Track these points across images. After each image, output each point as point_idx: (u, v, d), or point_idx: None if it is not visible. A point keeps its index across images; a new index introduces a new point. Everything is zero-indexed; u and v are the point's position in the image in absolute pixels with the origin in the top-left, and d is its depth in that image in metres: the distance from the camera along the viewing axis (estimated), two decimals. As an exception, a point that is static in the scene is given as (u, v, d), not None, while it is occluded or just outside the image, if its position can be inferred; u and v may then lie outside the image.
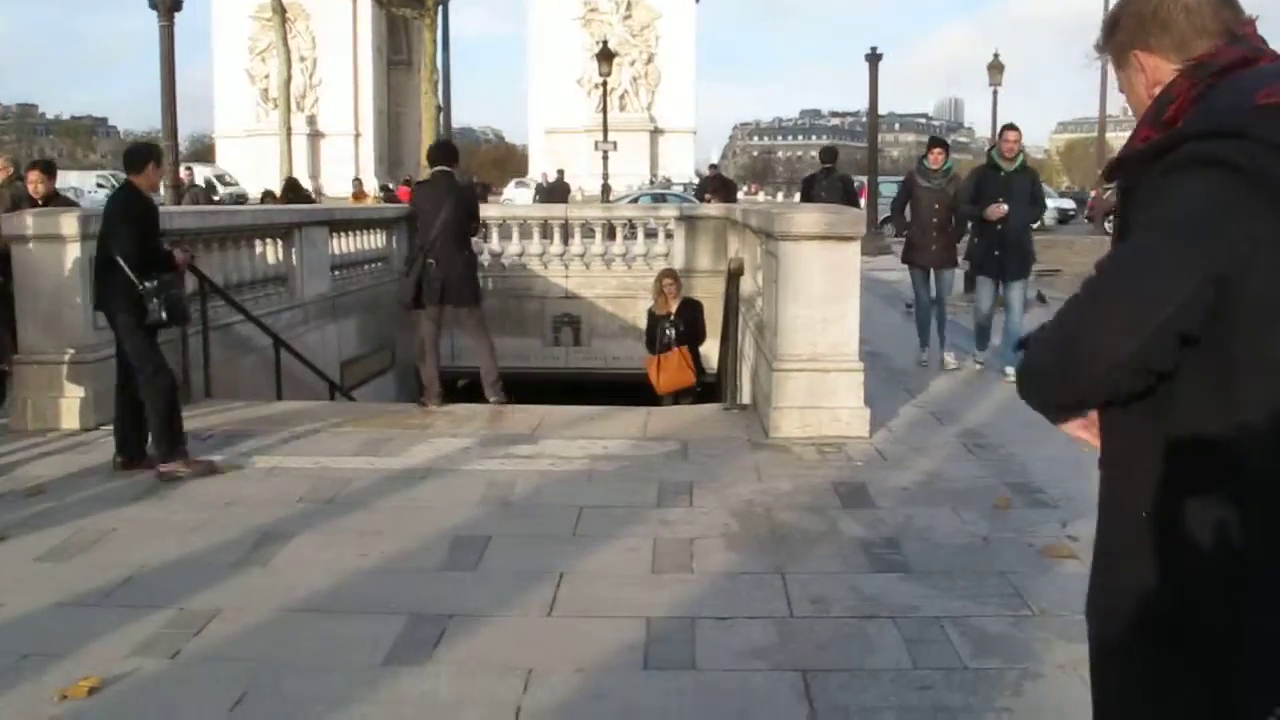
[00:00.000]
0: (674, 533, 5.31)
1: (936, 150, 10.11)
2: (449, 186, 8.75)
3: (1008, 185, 9.12)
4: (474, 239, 9.38)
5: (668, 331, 10.82)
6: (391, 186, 32.14)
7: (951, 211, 9.75)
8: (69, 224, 7.50)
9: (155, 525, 5.51)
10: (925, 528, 5.38)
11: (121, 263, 6.22)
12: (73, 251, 7.48)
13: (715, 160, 55.88)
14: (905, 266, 10.36)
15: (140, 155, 6.61)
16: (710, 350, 11.23)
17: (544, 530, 5.39)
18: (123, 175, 7.17)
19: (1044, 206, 10.64)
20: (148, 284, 6.21)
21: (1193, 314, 1.45)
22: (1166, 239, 1.48)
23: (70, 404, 7.53)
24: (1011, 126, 9.35)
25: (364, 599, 4.56)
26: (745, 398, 8.85)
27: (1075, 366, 1.56)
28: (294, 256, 11.18)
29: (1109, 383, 1.53)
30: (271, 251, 11.03)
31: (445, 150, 9.39)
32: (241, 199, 37.89)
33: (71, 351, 7.52)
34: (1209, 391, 1.49)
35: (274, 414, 8.32)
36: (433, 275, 8.54)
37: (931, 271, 10.01)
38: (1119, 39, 1.73)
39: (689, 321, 10.89)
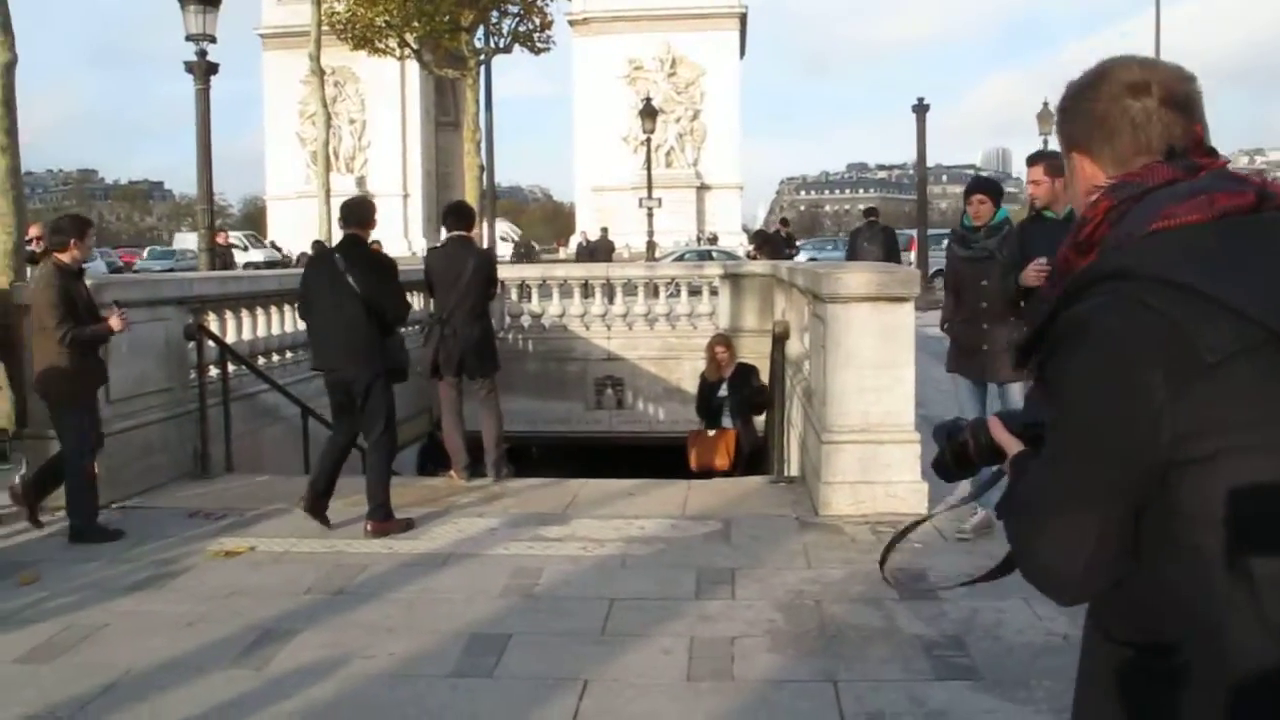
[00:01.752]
0: (713, 630, 4.79)
1: (978, 198, 6.46)
2: (467, 252, 8.33)
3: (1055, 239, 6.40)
4: (506, 301, 8.97)
5: (720, 395, 10.52)
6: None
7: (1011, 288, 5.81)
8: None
9: (149, 620, 5.07)
10: (994, 624, 4.80)
11: None
12: None
13: (763, 217, 55.56)
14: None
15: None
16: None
17: (570, 627, 4.88)
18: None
19: None
20: None
21: (1129, 509, 1.39)
22: (1080, 462, 1.40)
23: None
24: (1038, 157, 6.05)
25: (364, 710, 4.09)
26: (793, 469, 8.30)
27: (1052, 593, 1.50)
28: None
29: (1095, 589, 1.48)
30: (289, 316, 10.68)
31: (461, 213, 8.80)
32: (275, 263, 38.16)
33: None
34: (1158, 538, 1.40)
35: (296, 489, 7.88)
36: (450, 346, 8.11)
37: (988, 386, 6.36)
38: (1065, 130, 1.62)
39: (744, 388, 10.47)
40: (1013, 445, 1.63)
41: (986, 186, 6.63)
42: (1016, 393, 6.00)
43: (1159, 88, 1.50)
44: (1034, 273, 5.21)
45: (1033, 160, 6.12)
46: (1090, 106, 1.55)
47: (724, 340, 11.12)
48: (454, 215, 8.71)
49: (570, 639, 4.72)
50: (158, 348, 7.94)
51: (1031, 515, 1.47)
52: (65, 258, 6.49)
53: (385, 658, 4.55)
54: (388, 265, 6.99)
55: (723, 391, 10.55)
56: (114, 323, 6.58)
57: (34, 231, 10.61)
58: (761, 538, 6.28)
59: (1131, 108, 1.50)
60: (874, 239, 17.41)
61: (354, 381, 6.54)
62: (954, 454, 1.73)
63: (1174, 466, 1.34)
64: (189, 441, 8.21)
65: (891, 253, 17.25)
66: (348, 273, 6.46)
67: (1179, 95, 1.51)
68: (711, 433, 10.37)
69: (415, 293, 13.86)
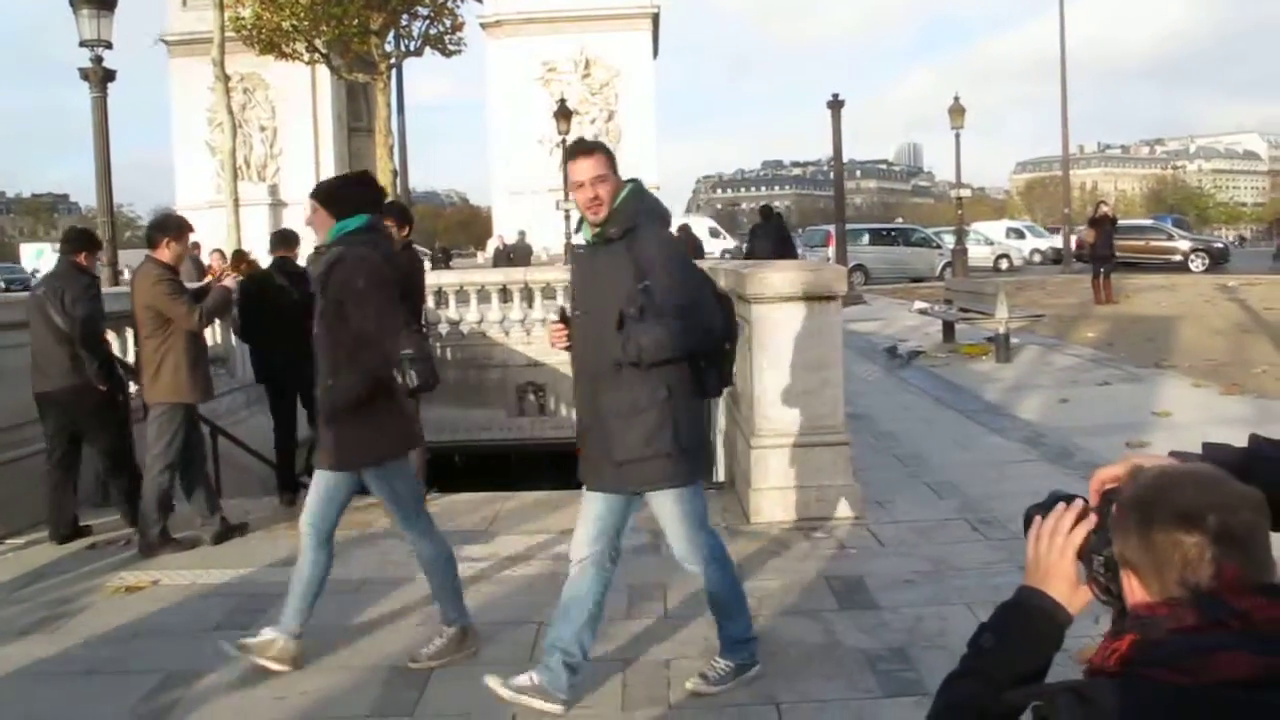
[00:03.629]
0: (647, 652, 4.58)
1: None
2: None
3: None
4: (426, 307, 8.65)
5: None
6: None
7: None
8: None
9: (40, 670, 4.69)
10: (938, 633, 4.66)
11: None
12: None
13: (680, 215, 55.60)
14: (883, 316, 7.75)
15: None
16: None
17: (497, 655, 4.63)
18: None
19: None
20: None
21: None
22: None
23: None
24: (580, 148, 4.05)
25: (275, 761, 3.79)
26: (721, 475, 8.11)
27: None
28: (232, 335, 10.40)
29: None
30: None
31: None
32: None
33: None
34: None
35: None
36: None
37: None
38: (1118, 547, 1.49)
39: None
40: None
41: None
42: None
43: (1215, 519, 1.38)
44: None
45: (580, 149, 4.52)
46: (1141, 532, 1.44)
47: None
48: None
49: (497, 668, 4.46)
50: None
51: None
52: (165, 256, 6.54)
53: (298, 697, 4.27)
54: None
55: None
56: (228, 282, 6.91)
57: None
58: (693, 549, 6.06)
59: (1183, 543, 1.39)
60: (766, 235, 19.04)
61: None
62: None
63: None
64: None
65: (783, 246, 18.17)
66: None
67: (1236, 529, 1.39)
68: None
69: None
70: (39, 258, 48.76)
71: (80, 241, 7.05)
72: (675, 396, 3.88)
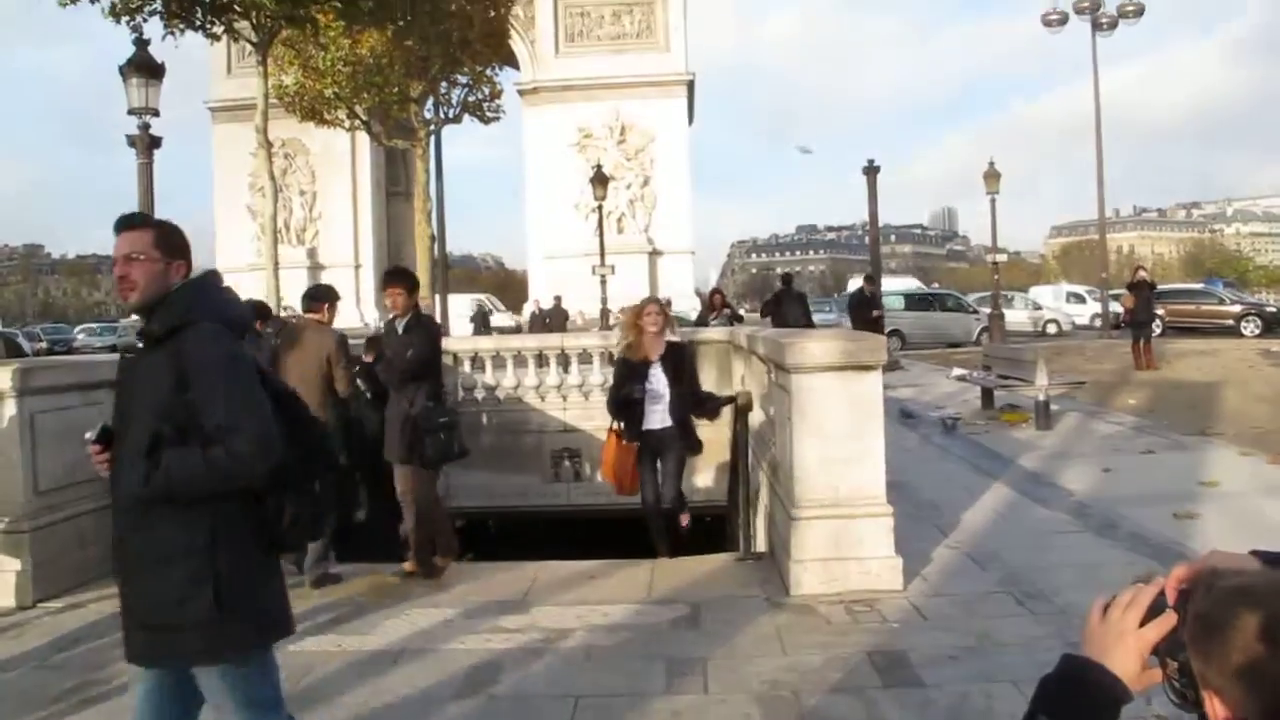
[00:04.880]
0: (686, 731, 4.47)
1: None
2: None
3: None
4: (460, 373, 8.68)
5: (648, 387, 8.03)
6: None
7: None
8: (4, 377, 6.78)
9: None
10: (984, 711, 4.53)
11: None
12: (9, 408, 6.76)
13: (715, 280, 55.79)
14: (921, 382, 8.48)
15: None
16: (709, 469, 10.40)
17: (533, 731, 4.54)
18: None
19: None
20: None
21: None
22: None
23: (5, 579, 6.72)
24: (121, 222, 3.36)
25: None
26: (761, 544, 8.01)
27: None
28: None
29: None
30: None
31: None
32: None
33: (6, 520, 6.75)
34: None
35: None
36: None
37: None
38: (1198, 669, 1.36)
39: (681, 376, 8.12)
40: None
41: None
42: None
43: None
44: None
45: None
46: (1221, 653, 1.32)
47: (657, 303, 8.55)
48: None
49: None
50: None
51: None
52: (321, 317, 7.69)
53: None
54: None
55: (653, 382, 8.04)
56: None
57: None
58: (733, 621, 5.96)
59: (1271, 666, 1.27)
60: (793, 302, 20.18)
61: None
62: None
63: None
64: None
65: (809, 314, 18.88)
66: None
67: None
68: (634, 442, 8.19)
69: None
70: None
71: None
72: (222, 544, 2.99)
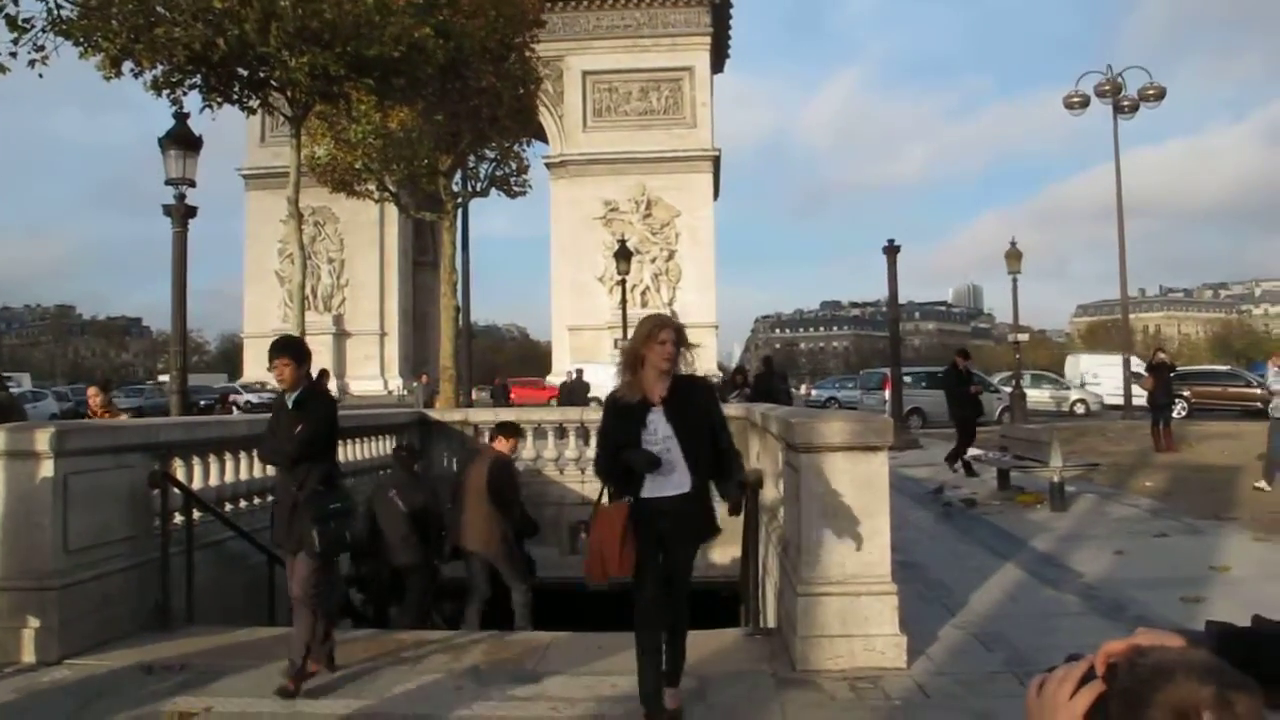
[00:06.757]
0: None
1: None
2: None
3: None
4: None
5: (657, 436, 5.57)
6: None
7: None
8: (41, 439, 7.03)
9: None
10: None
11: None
12: (45, 469, 7.00)
13: (739, 355, 55.86)
14: (939, 462, 7.82)
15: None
16: (725, 544, 10.49)
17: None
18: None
19: None
20: None
21: None
22: None
23: (29, 634, 6.91)
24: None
25: None
26: (769, 618, 8.12)
27: None
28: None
29: None
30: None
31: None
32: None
33: (35, 577, 6.95)
34: None
35: (257, 641, 7.64)
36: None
37: None
38: None
39: (686, 419, 5.66)
40: None
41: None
42: None
43: (1211, 716, 1.35)
44: None
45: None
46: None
47: (674, 331, 5.86)
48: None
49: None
50: (121, 495, 7.77)
51: None
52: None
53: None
54: None
55: (653, 428, 5.59)
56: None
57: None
58: (740, 696, 6.07)
59: None
60: (778, 383, 23.15)
61: None
62: None
63: None
64: (150, 592, 7.98)
65: (789, 392, 23.53)
66: None
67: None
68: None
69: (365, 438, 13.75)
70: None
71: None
72: None
